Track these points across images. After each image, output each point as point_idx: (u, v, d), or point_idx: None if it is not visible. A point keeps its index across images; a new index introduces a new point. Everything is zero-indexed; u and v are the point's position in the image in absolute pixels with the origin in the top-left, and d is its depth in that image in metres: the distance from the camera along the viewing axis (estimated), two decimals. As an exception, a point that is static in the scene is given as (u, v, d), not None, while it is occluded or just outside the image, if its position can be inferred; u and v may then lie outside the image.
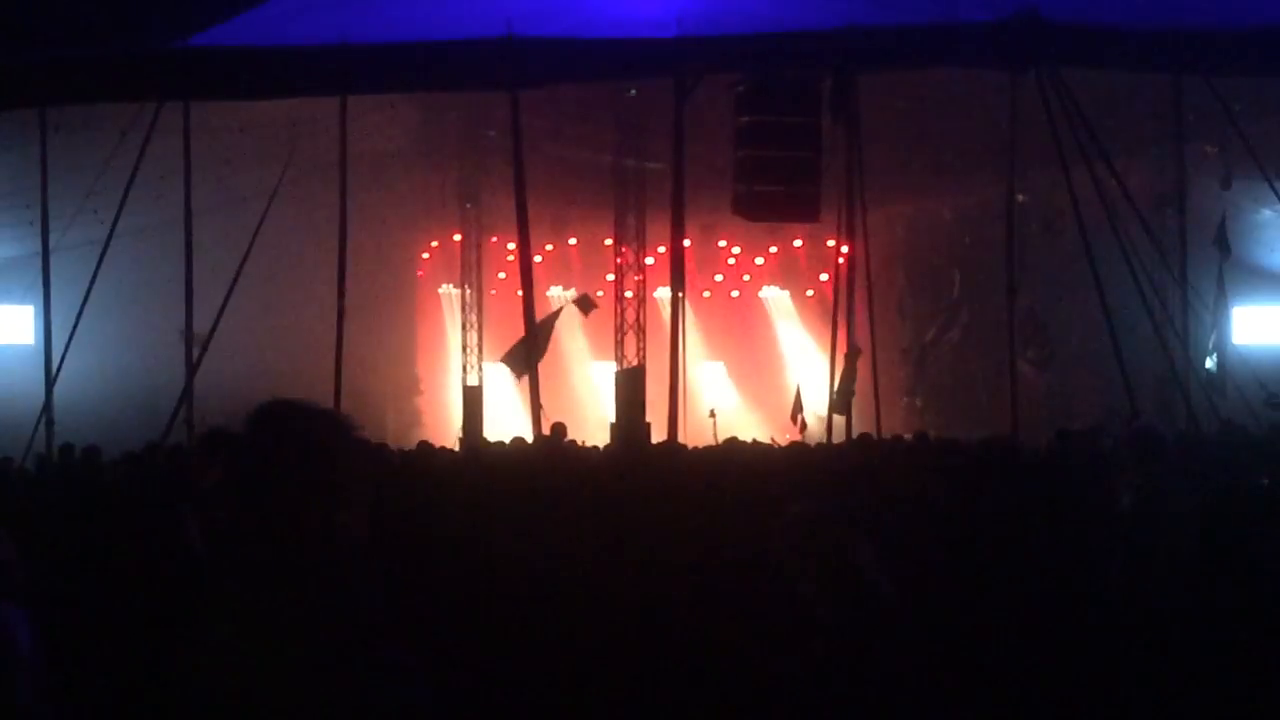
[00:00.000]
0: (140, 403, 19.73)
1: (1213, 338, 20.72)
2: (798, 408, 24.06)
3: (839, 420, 18.85)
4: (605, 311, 23.77)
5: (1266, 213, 21.55)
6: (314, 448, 2.97)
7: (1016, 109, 17.77)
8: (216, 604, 2.94)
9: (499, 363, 22.56)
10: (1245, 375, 19.79)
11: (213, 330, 18.67)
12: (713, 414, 24.30)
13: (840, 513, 4.49)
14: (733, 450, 14.05)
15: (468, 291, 26.84)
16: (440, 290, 28.84)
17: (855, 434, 17.78)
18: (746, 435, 19.03)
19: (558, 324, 27.29)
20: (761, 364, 30.30)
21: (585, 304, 23.08)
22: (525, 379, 19.41)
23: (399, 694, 2.84)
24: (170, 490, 9.34)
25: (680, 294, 19.71)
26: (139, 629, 5.79)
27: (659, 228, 21.20)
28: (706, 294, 29.86)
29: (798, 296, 30.39)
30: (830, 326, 19.81)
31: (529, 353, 19.88)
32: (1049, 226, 21.55)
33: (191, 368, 18.51)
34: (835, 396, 18.97)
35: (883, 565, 4.42)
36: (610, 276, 24.76)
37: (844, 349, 19.17)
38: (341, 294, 18.82)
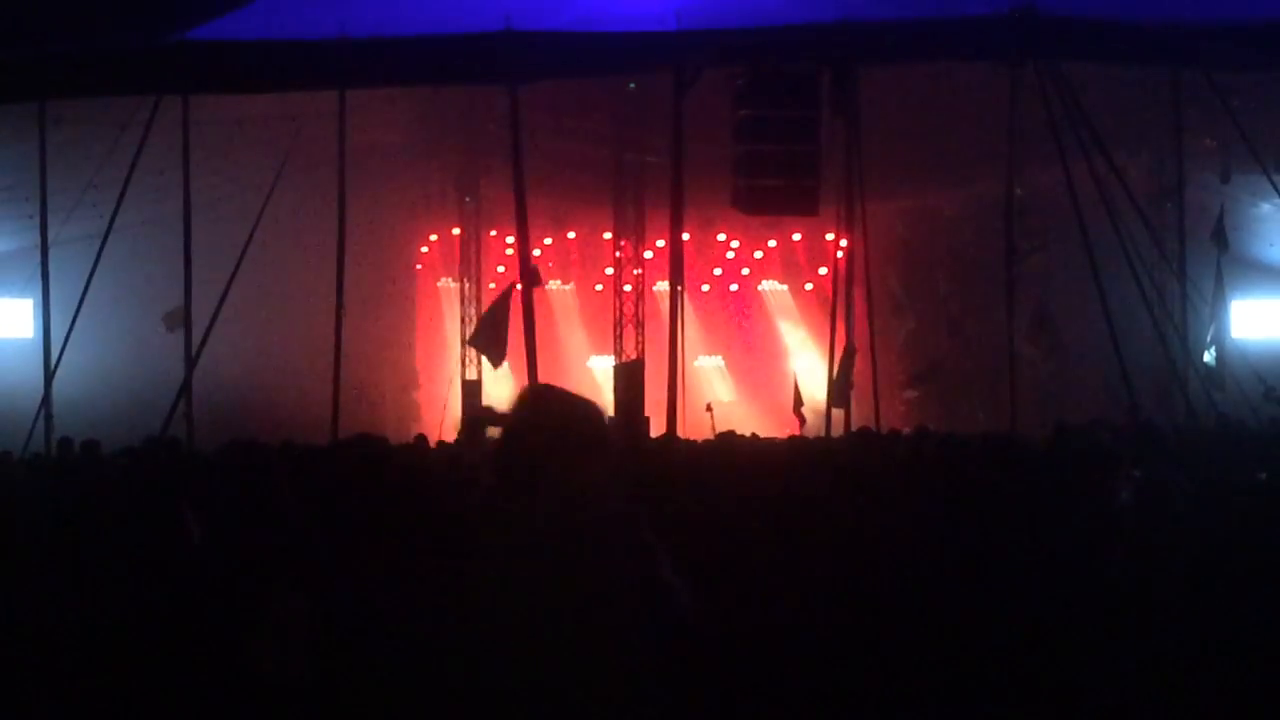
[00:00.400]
0: (139, 396, 19.74)
1: (1211, 332, 20.74)
2: (798, 401, 24.07)
3: (838, 414, 18.87)
4: (604, 306, 23.76)
5: (1265, 207, 21.54)
6: (572, 423, 3.39)
7: (1015, 103, 17.78)
8: (489, 557, 3.31)
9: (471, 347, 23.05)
10: (1244, 369, 19.80)
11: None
12: (710, 408, 24.28)
13: (640, 515, 4.59)
14: (730, 445, 14.03)
15: (467, 285, 26.82)
16: (439, 284, 28.81)
17: (854, 428, 17.79)
18: (745, 429, 19.03)
19: (557, 320, 27.40)
20: (760, 358, 30.28)
21: (533, 277, 23.13)
22: (524, 374, 19.43)
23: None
24: (170, 484, 9.34)
25: (679, 288, 19.72)
26: (139, 624, 5.79)
27: (658, 221, 21.21)
28: (705, 288, 29.83)
29: (797, 290, 30.35)
30: (829, 320, 19.82)
31: (491, 340, 20.66)
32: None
33: (191, 361, 18.51)
34: (833, 389, 19.05)
35: (683, 578, 4.55)
36: (609, 270, 24.77)
37: (843, 342, 19.19)
38: (340, 287, 18.84)
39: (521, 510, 3.34)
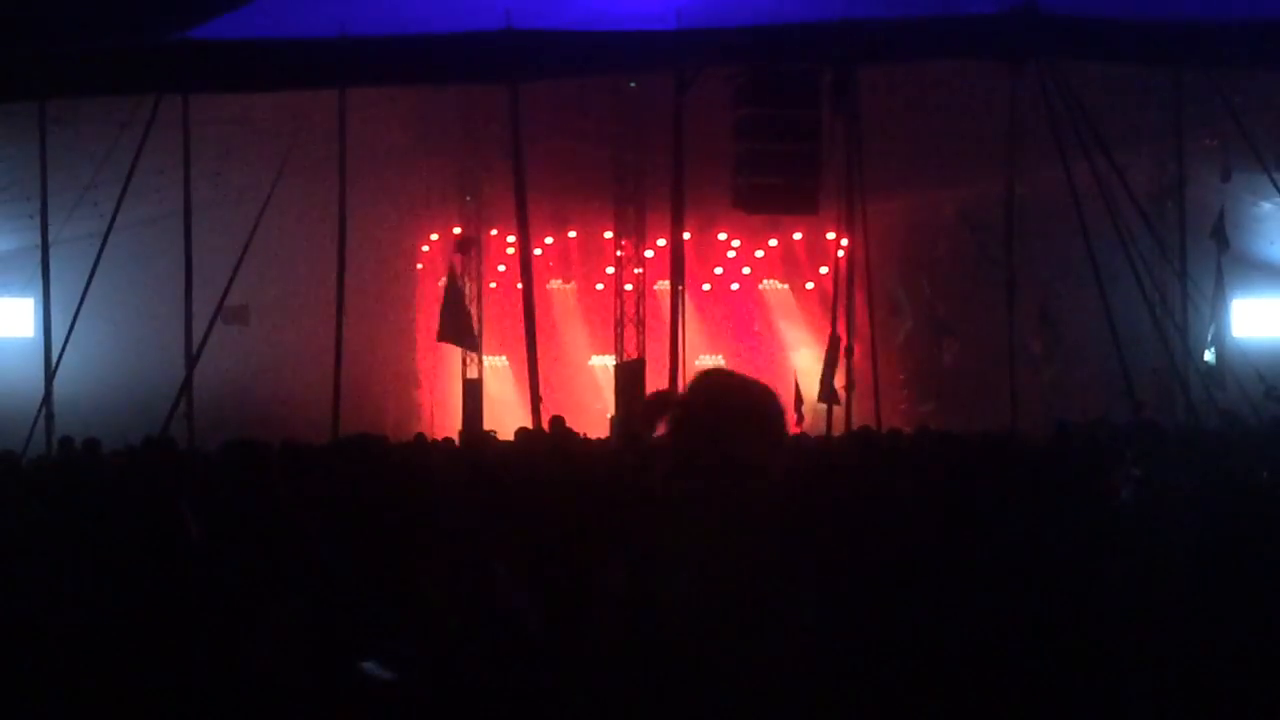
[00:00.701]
0: (140, 395, 19.73)
1: (1211, 330, 20.74)
2: (799, 400, 24.06)
3: (840, 412, 18.87)
4: (605, 305, 23.74)
5: (1266, 205, 21.53)
6: (747, 406, 3.53)
7: (1016, 102, 17.78)
8: (672, 529, 3.48)
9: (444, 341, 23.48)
10: (1244, 368, 19.79)
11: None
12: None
13: (483, 532, 4.69)
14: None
15: (467, 284, 26.82)
16: (440, 283, 28.78)
17: (851, 428, 17.78)
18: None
19: (559, 320, 27.39)
20: (761, 357, 30.25)
21: (465, 245, 23.36)
22: (525, 374, 19.45)
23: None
24: (170, 483, 9.34)
25: (680, 287, 19.72)
26: (137, 624, 5.79)
27: (659, 221, 21.20)
28: (706, 287, 29.82)
29: (798, 290, 30.34)
30: (830, 320, 19.81)
31: (458, 329, 21.67)
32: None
33: (191, 360, 18.51)
34: (820, 386, 19.17)
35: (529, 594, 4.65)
36: (610, 269, 24.75)
37: (843, 342, 19.19)
38: (341, 287, 18.84)
39: (697, 492, 3.48)
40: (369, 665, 4.46)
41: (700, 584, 3.38)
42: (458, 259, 23.52)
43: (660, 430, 3.60)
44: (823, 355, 20.29)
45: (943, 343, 27.62)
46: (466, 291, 23.13)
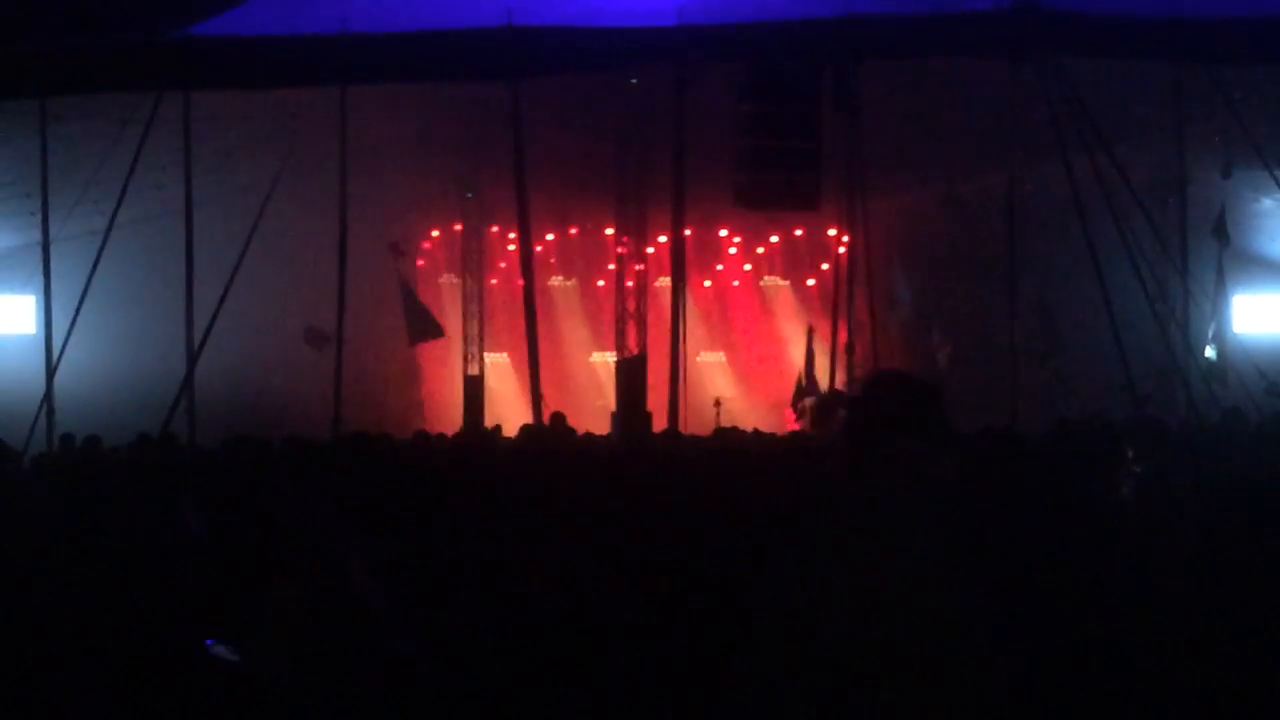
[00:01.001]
0: (141, 392, 19.75)
1: (1212, 326, 20.74)
2: (798, 397, 24.09)
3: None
4: (606, 301, 23.74)
5: (1266, 202, 21.53)
6: (918, 406, 3.67)
7: (1017, 99, 17.78)
8: (849, 527, 3.60)
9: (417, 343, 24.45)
10: (1245, 364, 19.80)
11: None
12: (718, 403, 24.31)
13: (335, 518, 4.74)
14: (727, 440, 14.04)
15: (468, 281, 26.83)
16: (441, 280, 28.82)
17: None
18: (747, 425, 19.04)
19: (559, 316, 27.40)
20: (762, 354, 30.26)
21: (395, 248, 24.26)
22: (526, 370, 19.47)
23: None
24: (171, 480, 9.35)
25: (681, 284, 19.72)
26: (137, 618, 5.80)
27: (660, 217, 21.19)
28: (707, 283, 29.82)
29: (799, 286, 30.34)
30: (831, 316, 19.83)
31: (423, 326, 22.93)
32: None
33: (192, 358, 18.52)
34: (804, 382, 19.39)
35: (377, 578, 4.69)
36: (611, 266, 24.75)
37: (844, 339, 19.21)
38: (342, 283, 18.84)
39: (870, 489, 3.63)
40: (218, 649, 4.50)
41: (878, 581, 3.50)
42: (397, 261, 23.99)
43: (833, 428, 3.78)
44: (825, 352, 20.34)
45: (935, 342, 27.68)
46: (412, 289, 24.25)
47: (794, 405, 24.15)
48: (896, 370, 3.96)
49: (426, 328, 23.66)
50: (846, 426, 3.76)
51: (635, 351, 22.13)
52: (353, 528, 5.43)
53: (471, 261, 26.68)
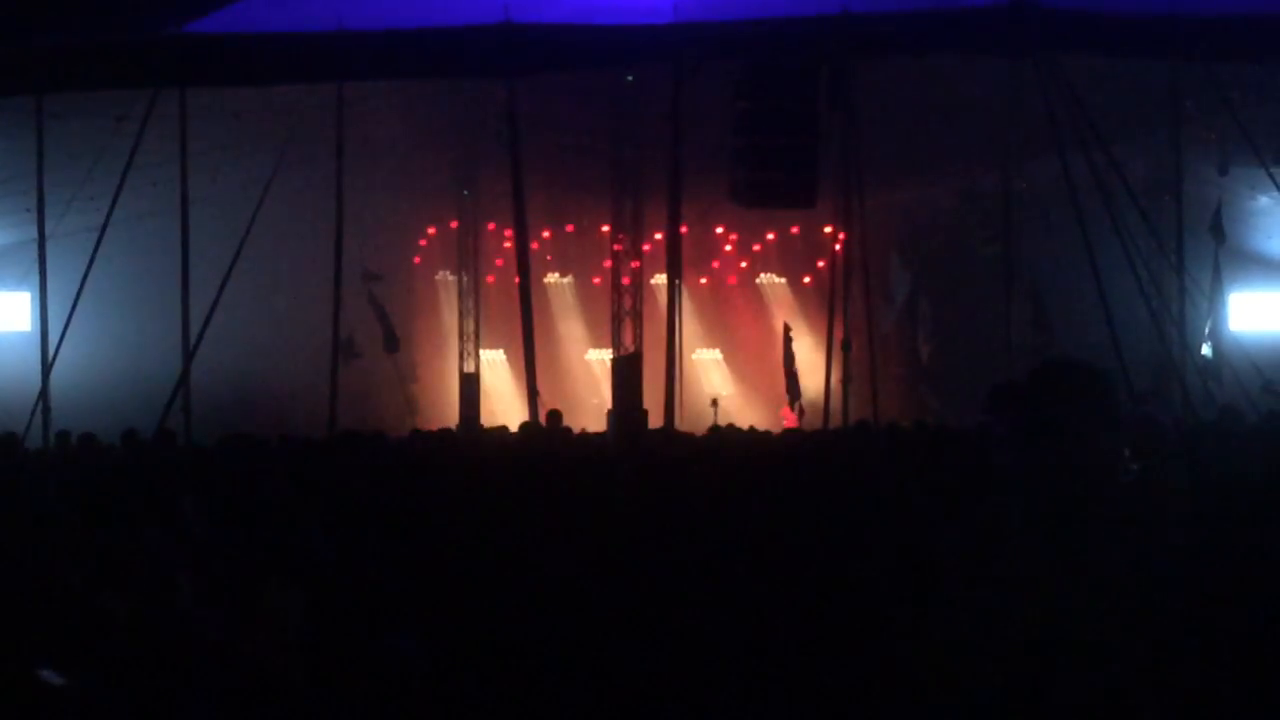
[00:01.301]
0: (137, 389, 19.74)
1: (1209, 324, 20.75)
2: (796, 395, 24.12)
3: (835, 408, 18.88)
4: (602, 299, 23.75)
5: (1263, 199, 21.55)
6: (1094, 395, 3.71)
7: (1014, 96, 17.78)
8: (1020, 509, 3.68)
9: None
10: (1241, 362, 19.81)
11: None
12: (715, 402, 24.34)
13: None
14: (722, 438, 14.06)
15: (465, 278, 26.84)
16: (437, 277, 28.83)
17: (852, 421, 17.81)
18: (743, 423, 19.05)
19: (555, 314, 27.43)
20: (758, 351, 30.29)
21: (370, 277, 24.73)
22: (523, 368, 19.48)
23: None
24: (170, 476, 9.34)
25: (677, 281, 19.72)
26: (141, 614, 5.79)
27: (656, 214, 21.19)
28: (703, 281, 29.83)
29: (795, 283, 30.36)
30: (828, 314, 19.82)
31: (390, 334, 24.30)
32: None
33: (188, 355, 18.50)
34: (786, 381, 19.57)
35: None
36: (607, 263, 24.76)
37: (840, 335, 19.21)
38: (338, 280, 18.85)
39: (1042, 480, 3.69)
40: (46, 673, 4.49)
41: (1049, 564, 3.59)
42: (368, 284, 24.33)
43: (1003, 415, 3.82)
44: (821, 349, 20.36)
45: (921, 338, 27.79)
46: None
47: (792, 404, 24.18)
48: (1069, 358, 4.01)
49: (390, 339, 25.04)
50: (1021, 413, 3.81)
51: (631, 349, 22.14)
52: (326, 531, 5.42)
53: (468, 259, 26.68)
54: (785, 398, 24.95)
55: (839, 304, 19.17)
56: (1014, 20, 17.46)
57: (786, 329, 23.14)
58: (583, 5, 18.56)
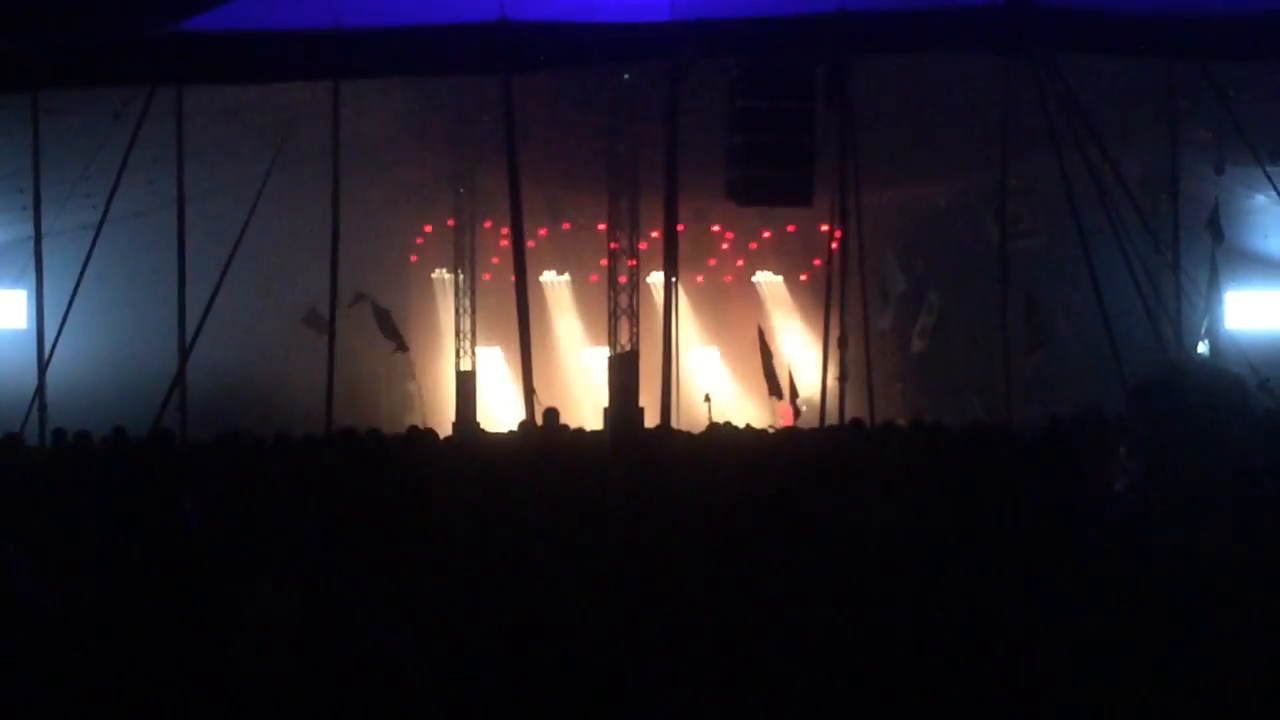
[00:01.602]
0: (133, 387, 19.71)
1: (1205, 322, 20.75)
2: (794, 393, 24.12)
3: (832, 406, 18.90)
4: (599, 297, 23.73)
5: (1259, 198, 21.57)
6: (1218, 393, 3.74)
7: (1010, 95, 17.79)
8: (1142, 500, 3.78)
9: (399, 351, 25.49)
10: (1238, 359, 19.81)
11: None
12: (708, 399, 24.32)
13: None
14: (719, 436, 14.07)
15: (461, 276, 26.82)
16: (433, 275, 28.82)
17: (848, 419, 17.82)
18: (741, 420, 19.05)
19: (552, 312, 27.47)
20: (755, 349, 30.29)
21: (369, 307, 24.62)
22: (519, 366, 19.47)
23: None
24: (169, 473, 9.35)
25: (673, 279, 19.70)
26: (141, 609, 5.80)
27: (652, 212, 21.16)
28: (700, 279, 29.83)
29: (791, 281, 30.36)
30: (824, 312, 19.83)
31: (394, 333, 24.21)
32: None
33: (185, 352, 18.49)
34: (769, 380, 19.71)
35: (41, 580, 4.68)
36: (604, 261, 24.73)
37: (837, 333, 19.22)
38: (334, 279, 18.83)
39: (1169, 475, 3.81)
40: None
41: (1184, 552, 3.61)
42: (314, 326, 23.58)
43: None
44: (818, 347, 20.41)
45: (913, 335, 27.85)
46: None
47: (792, 402, 24.18)
48: (1201, 361, 4.10)
49: (395, 336, 24.83)
50: (1151, 411, 3.87)
51: (628, 347, 22.13)
52: (321, 528, 5.43)
53: (464, 257, 26.67)
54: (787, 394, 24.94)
55: (835, 302, 19.17)
56: (1011, 19, 17.47)
57: (760, 332, 23.43)
58: (579, 3, 18.55)
